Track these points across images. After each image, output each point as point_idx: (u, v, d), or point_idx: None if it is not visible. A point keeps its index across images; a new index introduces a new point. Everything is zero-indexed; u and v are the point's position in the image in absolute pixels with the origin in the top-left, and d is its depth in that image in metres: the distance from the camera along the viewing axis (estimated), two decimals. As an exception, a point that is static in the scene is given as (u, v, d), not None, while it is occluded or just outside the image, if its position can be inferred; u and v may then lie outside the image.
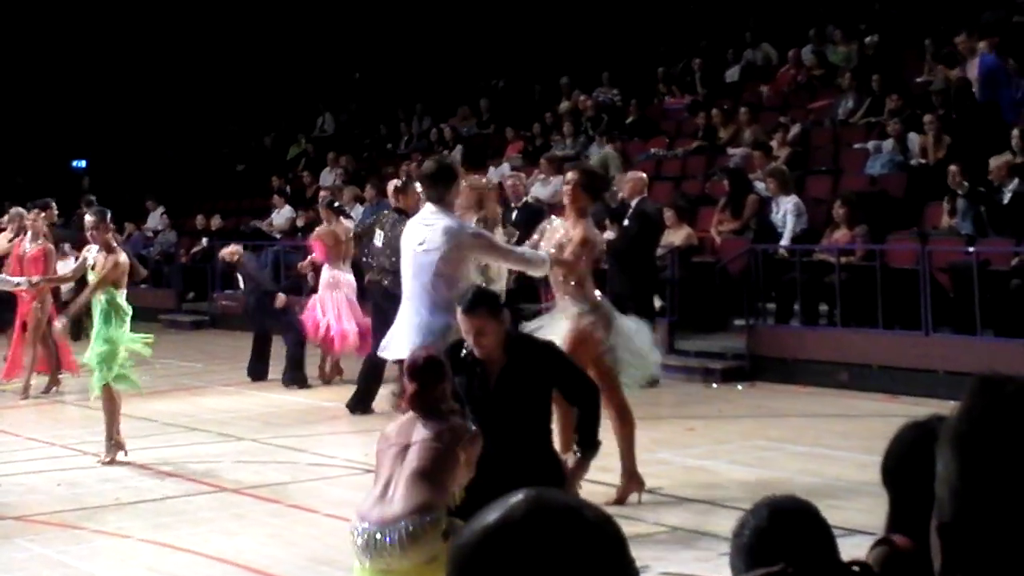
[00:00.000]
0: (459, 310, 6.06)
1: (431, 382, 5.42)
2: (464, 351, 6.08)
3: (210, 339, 19.02)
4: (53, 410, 13.09)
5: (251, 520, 8.29)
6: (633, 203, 13.80)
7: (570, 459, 6.36)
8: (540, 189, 17.40)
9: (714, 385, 13.28)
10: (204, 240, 22.01)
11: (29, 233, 14.10)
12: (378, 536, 5.17)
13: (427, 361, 5.50)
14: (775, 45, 20.98)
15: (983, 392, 1.56)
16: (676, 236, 14.96)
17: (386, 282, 11.89)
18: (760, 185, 15.30)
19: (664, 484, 8.77)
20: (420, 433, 5.31)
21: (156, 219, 24.39)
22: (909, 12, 19.66)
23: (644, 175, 14.37)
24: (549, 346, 6.59)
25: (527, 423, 6.09)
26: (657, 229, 14.11)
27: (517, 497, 1.52)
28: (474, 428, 5.47)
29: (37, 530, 8.18)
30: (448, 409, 5.47)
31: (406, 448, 5.30)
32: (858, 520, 6.83)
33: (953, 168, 13.27)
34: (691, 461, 9.67)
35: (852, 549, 2.42)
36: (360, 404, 12.18)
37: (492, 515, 1.50)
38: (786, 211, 14.27)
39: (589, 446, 6.32)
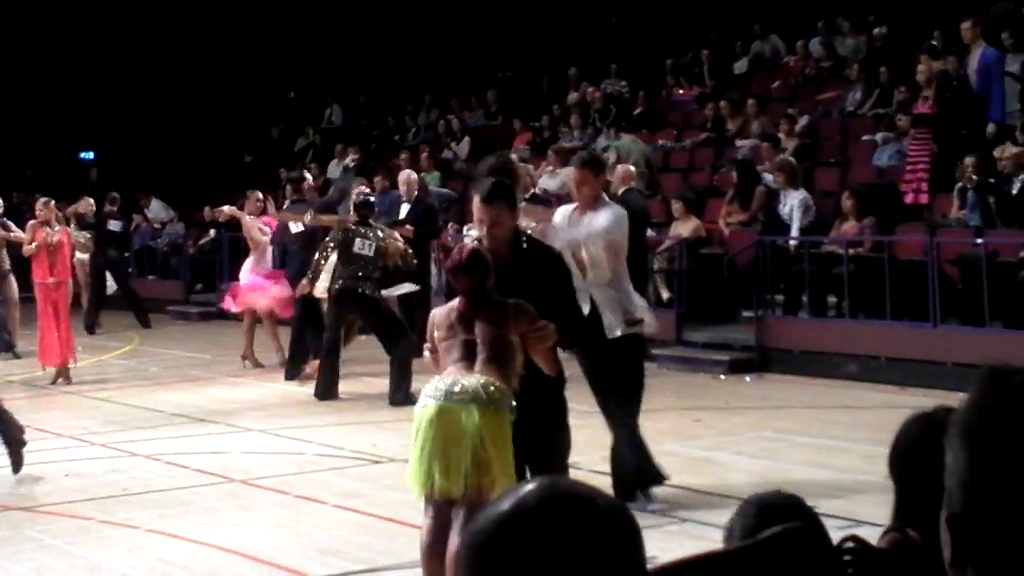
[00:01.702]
0: (476, 199, 6.31)
1: (480, 273, 5.75)
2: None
3: (218, 330, 19.01)
4: (62, 401, 13.11)
5: (258, 511, 8.30)
6: (619, 194, 13.73)
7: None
8: (548, 181, 17.36)
9: (722, 376, 13.28)
10: (212, 232, 21.98)
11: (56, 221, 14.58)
12: (457, 382, 5.58)
13: (471, 255, 5.80)
14: (783, 37, 20.96)
15: (991, 383, 1.56)
16: (684, 228, 14.96)
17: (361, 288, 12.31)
18: (768, 177, 15.28)
19: (670, 475, 8.76)
20: (480, 327, 5.71)
21: (157, 210, 24.33)
22: (917, 4, 19.63)
23: (632, 167, 14.24)
24: (557, 257, 6.69)
25: None
26: (641, 220, 13.91)
27: (530, 486, 1.52)
28: (515, 301, 5.77)
29: (45, 520, 8.20)
30: (495, 295, 5.83)
31: (472, 343, 5.70)
32: (865, 511, 6.85)
33: (968, 160, 13.23)
34: (698, 452, 9.67)
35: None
36: (400, 397, 12.05)
37: (505, 503, 1.50)
38: (792, 206, 14.24)
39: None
